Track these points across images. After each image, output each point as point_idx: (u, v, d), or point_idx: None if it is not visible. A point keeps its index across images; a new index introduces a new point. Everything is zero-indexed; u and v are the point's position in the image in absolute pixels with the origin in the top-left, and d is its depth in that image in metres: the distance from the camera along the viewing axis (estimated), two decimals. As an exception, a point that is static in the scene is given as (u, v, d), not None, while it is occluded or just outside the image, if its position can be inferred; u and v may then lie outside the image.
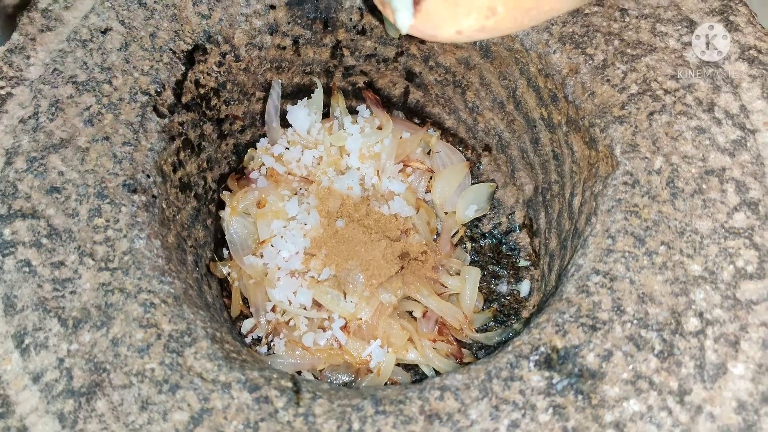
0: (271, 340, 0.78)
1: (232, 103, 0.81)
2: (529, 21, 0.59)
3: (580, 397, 0.56)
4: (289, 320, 0.78)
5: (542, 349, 0.59)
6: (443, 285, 0.80)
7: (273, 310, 0.79)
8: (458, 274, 0.81)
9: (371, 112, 0.87)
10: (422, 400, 0.57)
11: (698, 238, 0.62)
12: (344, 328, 0.77)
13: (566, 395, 0.56)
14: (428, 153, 0.88)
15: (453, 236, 0.85)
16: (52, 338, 0.59)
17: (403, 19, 0.57)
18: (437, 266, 0.81)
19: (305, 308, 0.77)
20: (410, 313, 0.79)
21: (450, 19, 0.56)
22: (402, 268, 0.78)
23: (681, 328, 0.59)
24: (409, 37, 0.61)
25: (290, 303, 0.77)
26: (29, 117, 0.67)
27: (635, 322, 0.59)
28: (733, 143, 0.66)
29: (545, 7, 0.58)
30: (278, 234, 0.79)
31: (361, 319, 0.76)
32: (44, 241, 0.62)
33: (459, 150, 0.89)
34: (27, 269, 0.61)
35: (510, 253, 0.85)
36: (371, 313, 0.76)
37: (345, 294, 0.77)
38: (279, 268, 0.78)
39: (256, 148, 0.85)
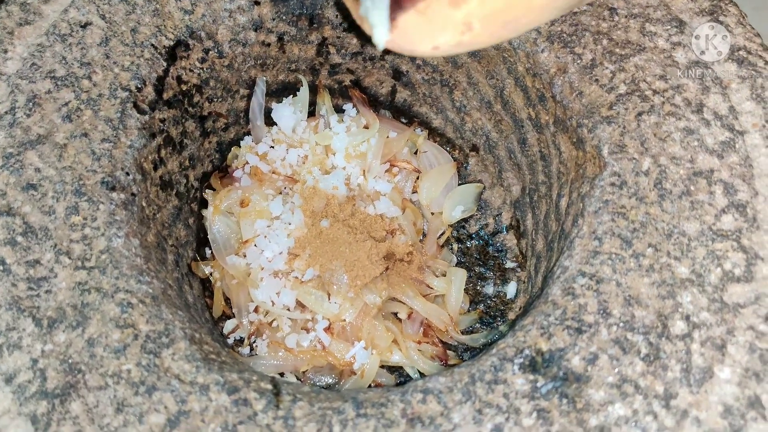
0: (254, 341, 0.77)
1: (216, 100, 0.80)
2: (507, 34, 0.58)
3: (564, 400, 0.55)
4: (272, 321, 0.77)
5: (527, 351, 0.58)
6: (429, 286, 0.80)
7: (256, 310, 0.78)
8: (444, 275, 0.81)
9: (358, 111, 0.86)
10: (404, 403, 0.56)
11: (686, 241, 0.61)
12: (328, 329, 0.76)
13: (551, 399, 0.56)
14: (415, 153, 0.87)
15: (439, 237, 0.84)
16: (26, 338, 0.57)
17: (380, 35, 0.57)
18: (423, 267, 0.80)
19: (288, 309, 0.76)
20: (395, 314, 0.78)
21: (426, 35, 0.56)
22: (387, 269, 0.77)
23: (667, 331, 0.58)
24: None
25: (273, 304, 0.76)
26: (6, 112, 0.66)
27: (621, 325, 0.58)
28: (722, 145, 0.65)
29: (523, 20, 0.58)
30: (262, 234, 0.78)
31: (344, 320, 0.76)
32: (19, 239, 0.61)
33: (446, 150, 0.88)
34: (1, 267, 0.60)
35: (497, 254, 0.85)
36: (355, 314, 0.75)
37: (329, 295, 0.76)
38: (262, 268, 0.77)
39: (239, 146, 0.84)
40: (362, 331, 0.76)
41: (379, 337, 0.76)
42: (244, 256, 0.78)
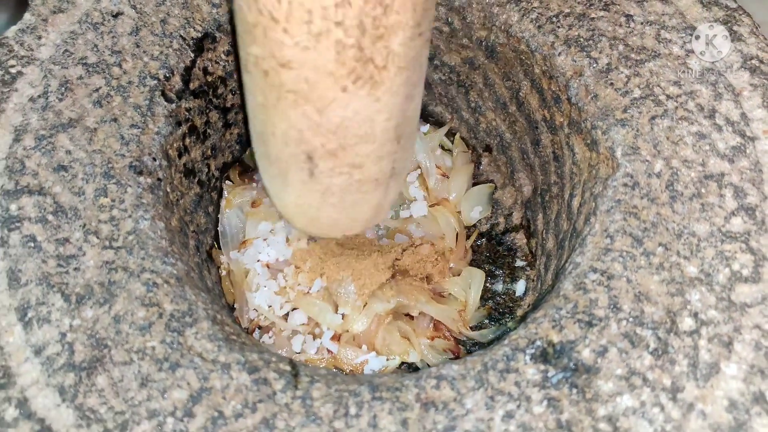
0: (260, 338, 0.78)
1: (239, 92, 0.81)
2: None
3: (574, 390, 0.57)
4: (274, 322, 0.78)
5: (538, 343, 0.59)
6: (441, 295, 0.80)
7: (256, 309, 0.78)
8: (458, 274, 0.82)
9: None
10: (418, 388, 0.58)
11: (695, 241, 0.63)
12: (335, 338, 0.76)
13: (561, 388, 0.57)
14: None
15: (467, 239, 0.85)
16: (55, 313, 0.59)
17: None
18: (445, 271, 0.81)
19: (285, 320, 0.77)
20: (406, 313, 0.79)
21: None
22: (393, 276, 0.78)
23: (676, 327, 0.59)
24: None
25: (271, 309, 0.77)
26: (39, 96, 0.68)
27: (631, 319, 0.60)
28: (733, 150, 0.66)
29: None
30: (261, 236, 0.79)
31: (351, 331, 0.76)
32: (50, 217, 0.63)
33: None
34: (32, 244, 0.62)
35: (507, 253, 0.86)
36: (366, 325, 0.76)
37: (336, 306, 0.76)
38: (258, 274, 0.78)
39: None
40: (376, 339, 0.76)
41: (395, 343, 0.76)
42: (243, 254, 0.79)
